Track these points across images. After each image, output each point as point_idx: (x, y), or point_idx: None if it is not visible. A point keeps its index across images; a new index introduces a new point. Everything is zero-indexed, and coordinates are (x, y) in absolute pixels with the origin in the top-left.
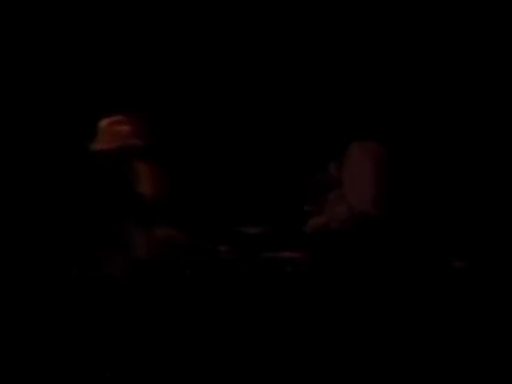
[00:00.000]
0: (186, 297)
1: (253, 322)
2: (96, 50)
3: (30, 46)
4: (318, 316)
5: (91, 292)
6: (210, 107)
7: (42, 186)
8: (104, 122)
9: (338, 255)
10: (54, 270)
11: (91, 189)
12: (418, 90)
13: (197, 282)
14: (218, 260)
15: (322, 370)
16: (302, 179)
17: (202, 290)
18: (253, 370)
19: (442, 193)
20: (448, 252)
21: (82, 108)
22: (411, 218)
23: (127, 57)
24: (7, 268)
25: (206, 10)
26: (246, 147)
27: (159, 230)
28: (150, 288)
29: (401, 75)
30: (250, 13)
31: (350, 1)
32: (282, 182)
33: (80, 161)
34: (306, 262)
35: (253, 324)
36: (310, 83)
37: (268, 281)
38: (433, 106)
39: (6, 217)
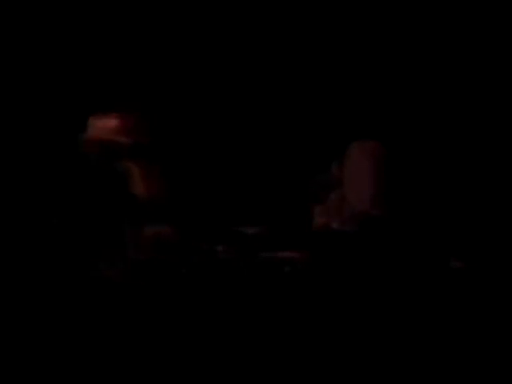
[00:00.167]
0: (182, 297)
1: (250, 321)
2: (88, 44)
3: (21, 41)
4: (316, 316)
5: (89, 293)
6: (206, 105)
7: (32, 184)
8: (96, 118)
9: (337, 255)
10: (49, 271)
11: (81, 187)
12: (417, 90)
13: (193, 282)
14: (215, 260)
15: (321, 370)
16: (300, 179)
17: (199, 290)
18: (251, 370)
19: (441, 193)
20: (446, 252)
21: (72, 104)
22: (411, 218)
23: (119, 53)
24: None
25: (200, 7)
26: (243, 146)
27: (152, 229)
28: (147, 288)
29: (401, 75)
30: (249, 12)
31: (350, 1)
32: (280, 181)
33: (70, 157)
34: (304, 262)
35: (250, 324)
36: (310, 81)
37: (266, 281)
38: (433, 106)
39: None
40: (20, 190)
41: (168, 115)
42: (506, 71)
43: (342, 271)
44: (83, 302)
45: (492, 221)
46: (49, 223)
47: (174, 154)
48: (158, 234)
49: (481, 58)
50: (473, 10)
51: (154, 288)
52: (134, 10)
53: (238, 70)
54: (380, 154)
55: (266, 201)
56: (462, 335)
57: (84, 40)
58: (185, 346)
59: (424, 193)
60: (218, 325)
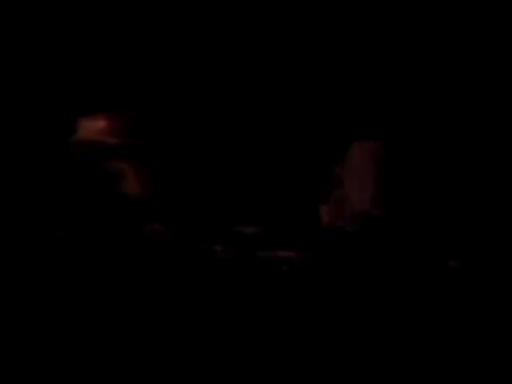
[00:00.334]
0: (181, 296)
1: (249, 321)
2: (80, 46)
3: (11, 43)
4: (315, 315)
5: (86, 294)
6: (206, 104)
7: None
8: (85, 119)
9: (337, 254)
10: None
11: (72, 187)
12: (417, 91)
13: (192, 282)
14: (213, 259)
15: (320, 369)
16: (299, 178)
17: (198, 290)
18: (249, 370)
19: (440, 192)
20: (444, 251)
21: (62, 105)
22: (411, 218)
23: (111, 55)
24: None
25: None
26: (242, 146)
27: (145, 229)
28: (147, 287)
29: (401, 76)
30: (249, 13)
31: (350, 1)
32: (279, 181)
33: (60, 158)
34: (302, 261)
35: (249, 323)
36: (313, 81)
37: (264, 280)
38: (432, 107)
39: None
40: (10, 190)
41: (164, 115)
42: (506, 71)
43: (341, 270)
44: (84, 301)
45: (488, 220)
46: (46, 223)
47: (172, 155)
48: (152, 233)
49: (481, 58)
50: (473, 10)
51: (154, 287)
52: (126, 11)
53: (238, 69)
54: (381, 154)
55: (264, 201)
56: (461, 332)
57: (75, 42)
58: (183, 343)
59: (423, 193)
60: (217, 323)
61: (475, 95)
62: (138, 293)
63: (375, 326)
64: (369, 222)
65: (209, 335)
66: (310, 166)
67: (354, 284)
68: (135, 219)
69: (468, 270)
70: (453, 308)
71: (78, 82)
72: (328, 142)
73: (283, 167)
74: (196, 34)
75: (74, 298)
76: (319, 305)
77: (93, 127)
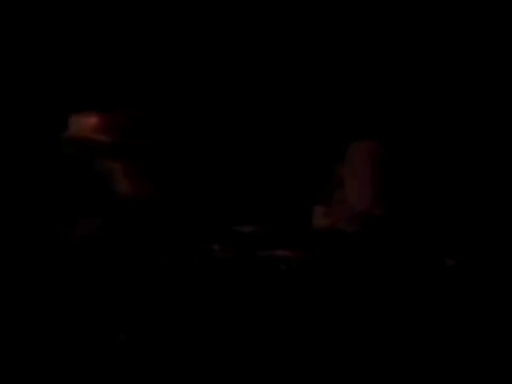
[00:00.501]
0: (178, 296)
1: (247, 320)
2: (71, 41)
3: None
4: (313, 315)
5: (81, 293)
6: (201, 102)
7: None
8: (76, 116)
9: (336, 254)
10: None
11: (61, 186)
12: (417, 90)
13: (190, 281)
14: (211, 259)
15: (319, 369)
16: (297, 177)
17: (196, 289)
18: (247, 368)
19: (439, 192)
20: (442, 250)
21: (53, 102)
22: (411, 218)
23: (103, 50)
24: None
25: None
26: (239, 145)
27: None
28: (143, 286)
29: (400, 76)
30: (246, 12)
31: (349, 1)
32: (277, 180)
33: (50, 155)
34: (300, 261)
35: (247, 322)
36: (311, 79)
37: (262, 279)
38: (432, 106)
39: None
40: None
41: (159, 113)
42: (506, 71)
43: (340, 270)
44: (79, 301)
45: (487, 219)
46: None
47: (167, 153)
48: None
49: (481, 58)
50: (473, 10)
51: (151, 286)
52: (118, 5)
53: (234, 67)
54: (380, 154)
55: (262, 199)
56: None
57: (67, 37)
58: (180, 343)
59: (422, 192)
60: (214, 323)
61: (474, 94)
62: (135, 293)
63: (375, 325)
64: (368, 222)
65: (206, 335)
66: (308, 166)
67: (352, 284)
68: (128, 218)
69: (465, 268)
70: (452, 307)
71: (70, 78)
72: (327, 142)
73: (281, 166)
74: (193, 30)
75: (69, 298)
76: (318, 304)
77: (85, 124)
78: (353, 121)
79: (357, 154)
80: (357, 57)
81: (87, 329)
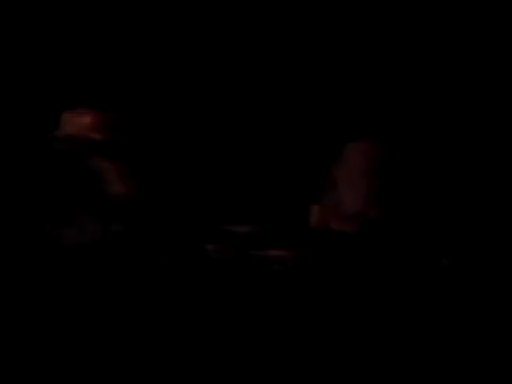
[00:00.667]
0: (172, 295)
1: (241, 320)
2: (64, 38)
3: None
4: (307, 314)
5: (76, 293)
6: (193, 101)
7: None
8: (68, 114)
9: (331, 255)
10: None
11: (53, 184)
12: (413, 92)
13: (184, 281)
14: (205, 258)
15: (314, 369)
16: (293, 177)
17: (189, 289)
18: (241, 368)
19: (436, 193)
20: (436, 251)
21: (46, 99)
22: (407, 218)
23: (96, 48)
24: None
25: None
26: (233, 145)
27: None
28: (138, 286)
29: (397, 77)
30: (240, 11)
31: (348, 1)
32: (271, 179)
33: (42, 153)
34: (295, 261)
35: (241, 322)
36: (308, 79)
37: (256, 279)
38: (426, 107)
39: None
40: None
41: (152, 112)
42: (506, 71)
43: (334, 271)
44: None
45: (482, 219)
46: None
47: (161, 153)
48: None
49: (481, 59)
50: (473, 10)
51: (145, 286)
52: (111, 4)
53: (228, 66)
54: (376, 154)
55: (256, 199)
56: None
57: (59, 34)
58: (174, 344)
59: (418, 193)
60: (208, 323)
61: (469, 95)
62: (131, 293)
63: (370, 325)
64: (363, 223)
65: (201, 335)
66: (303, 166)
67: (347, 284)
68: (121, 218)
69: (460, 268)
70: (447, 307)
71: (63, 76)
72: (323, 142)
73: (276, 166)
74: (190, 26)
75: (65, 299)
76: (312, 304)
77: (78, 122)
78: (349, 121)
79: (352, 154)
80: (353, 58)
81: (83, 329)
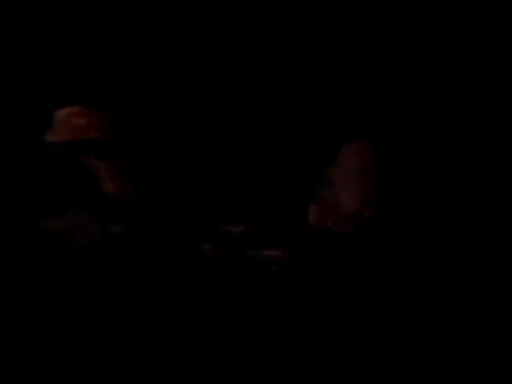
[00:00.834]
0: (168, 295)
1: (237, 319)
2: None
3: None
4: (303, 314)
5: (73, 293)
6: (190, 100)
7: None
8: (61, 113)
9: (327, 255)
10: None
11: (47, 183)
12: (408, 93)
13: (180, 281)
14: (202, 259)
15: (310, 369)
16: (288, 177)
17: (185, 289)
18: (237, 368)
19: (431, 194)
20: (430, 251)
21: (39, 98)
22: (402, 219)
23: (91, 46)
24: None
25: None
26: (229, 145)
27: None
28: (134, 286)
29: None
30: (236, 11)
31: (347, 1)
32: (267, 180)
33: (36, 153)
34: (291, 260)
35: (237, 322)
36: (305, 80)
37: (252, 279)
38: (422, 109)
39: None
40: None
41: (149, 111)
42: (506, 71)
43: (331, 270)
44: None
45: (477, 219)
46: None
47: (156, 152)
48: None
49: (480, 59)
50: (473, 9)
51: (141, 286)
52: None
53: (224, 67)
54: (372, 155)
55: (253, 199)
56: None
57: (54, 30)
58: (172, 343)
59: (414, 194)
60: (206, 323)
61: (464, 96)
62: (129, 292)
63: (366, 324)
64: (360, 223)
65: (199, 334)
66: (300, 166)
67: (343, 284)
68: (117, 218)
69: (455, 269)
70: (444, 307)
71: (57, 74)
72: (319, 142)
73: (273, 166)
74: (183, 26)
75: (63, 299)
76: (309, 303)
77: (72, 122)
78: (345, 122)
79: (348, 155)
80: (350, 59)
81: (82, 329)
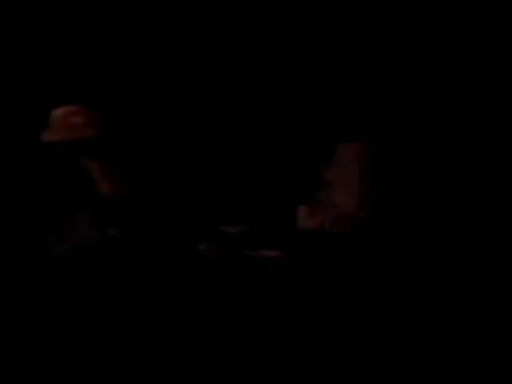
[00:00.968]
0: (164, 296)
1: (234, 320)
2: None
3: None
4: (301, 315)
5: (72, 294)
6: (187, 100)
7: None
8: (57, 112)
9: (324, 256)
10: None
11: (42, 183)
12: (405, 93)
13: (176, 281)
14: (198, 259)
15: (308, 370)
16: (284, 178)
17: (182, 290)
18: (234, 368)
19: (429, 195)
20: (427, 253)
21: (34, 96)
22: (399, 220)
23: (87, 44)
24: None
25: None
26: (226, 145)
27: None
28: (131, 286)
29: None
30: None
31: (347, 1)
32: (263, 180)
33: (31, 152)
34: (288, 261)
35: (234, 323)
36: (300, 81)
37: (250, 280)
38: (419, 109)
39: None
40: None
41: (145, 110)
42: (506, 72)
43: (328, 271)
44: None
45: (474, 220)
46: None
47: (152, 152)
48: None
49: (480, 59)
50: (472, 9)
51: (138, 287)
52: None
53: (220, 67)
54: (368, 155)
55: (249, 199)
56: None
57: (50, 29)
58: (169, 344)
59: (411, 195)
60: (202, 324)
61: (460, 96)
62: (126, 293)
63: (363, 326)
64: (355, 225)
65: (197, 335)
66: (295, 166)
67: (340, 285)
68: (113, 219)
69: (453, 268)
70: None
71: (52, 73)
72: (314, 143)
73: (268, 166)
74: (181, 25)
75: (62, 300)
76: (306, 304)
77: (68, 120)
78: (340, 122)
79: (344, 155)
80: (345, 59)
81: (81, 329)
